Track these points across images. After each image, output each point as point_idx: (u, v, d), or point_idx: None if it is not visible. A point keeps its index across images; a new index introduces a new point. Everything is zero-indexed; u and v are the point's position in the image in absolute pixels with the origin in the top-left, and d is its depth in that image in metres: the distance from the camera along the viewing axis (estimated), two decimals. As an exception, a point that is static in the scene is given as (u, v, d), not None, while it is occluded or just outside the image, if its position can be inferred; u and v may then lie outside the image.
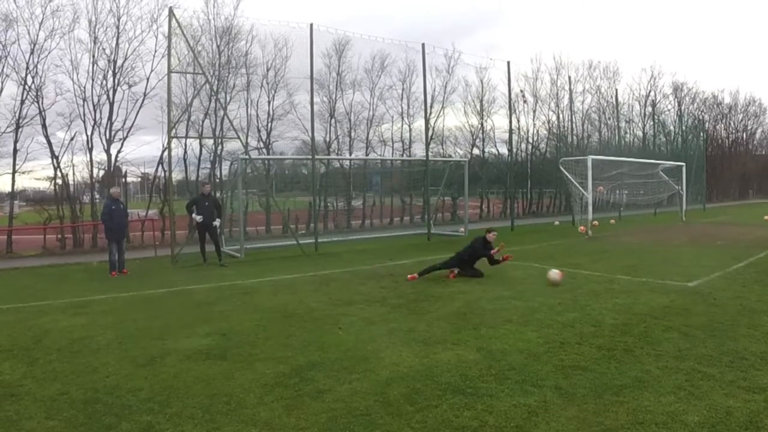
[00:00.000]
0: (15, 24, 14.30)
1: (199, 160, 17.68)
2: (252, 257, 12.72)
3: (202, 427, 3.54)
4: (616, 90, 27.71)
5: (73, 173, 16.15)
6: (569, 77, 25.87)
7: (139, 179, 21.44)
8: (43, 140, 15.02)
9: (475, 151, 24.72)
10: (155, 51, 16.14)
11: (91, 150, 15.69)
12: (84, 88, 15.50)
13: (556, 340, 5.22)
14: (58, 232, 15.18)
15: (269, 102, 18.67)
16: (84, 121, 15.57)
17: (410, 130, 22.40)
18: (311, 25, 13.69)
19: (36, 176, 15.87)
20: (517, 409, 3.67)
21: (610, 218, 20.93)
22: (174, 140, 13.03)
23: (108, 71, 15.71)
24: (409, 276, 8.90)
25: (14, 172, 14.78)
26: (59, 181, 15.56)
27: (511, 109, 21.28)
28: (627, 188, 22.03)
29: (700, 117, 35.49)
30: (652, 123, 31.29)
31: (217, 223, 11.64)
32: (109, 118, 15.81)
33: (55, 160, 15.35)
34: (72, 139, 15.51)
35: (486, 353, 4.86)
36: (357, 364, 4.65)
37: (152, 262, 12.35)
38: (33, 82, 14.66)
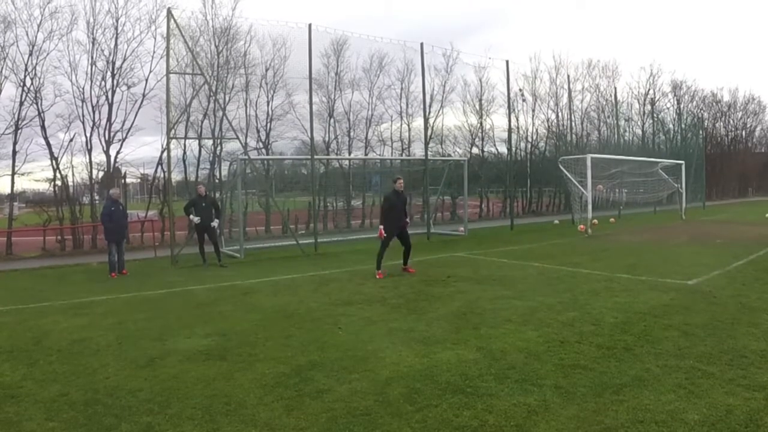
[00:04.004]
0: (13, 26, 14.31)
1: (199, 160, 17.68)
2: (252, 257, 12.72)
3: (201, 427, 3.54)
4: (615, 88, 27.76)
5: (73, 174, 16.18)
6: (568, 76, 25.92)
7: (139, 180, 21.48)
8: (43, 142, 15.04)
9: (475, 151, 24.75)
10: (154, 52, 16.17)
11: (90, 151, 15.72)
12: (83, 89, 15.52)
13: (555, 339, 5.22)
14: (58, 234, 15.17)
15: (268, 102, 18.68)
16: (83, 123, 15.58)
17: (409, 129, 22.46)
18: (310, 25, 13.70)
19: (35, 178, 15.89)
20: (517, 408, 3.67)
21: (609, 217, 20.93)
22: (173, 141, 13.01)
23: (107, 72, 15.72)
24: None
25: (14, 173, 14.77)
26: (59, 183, 15.56)
27: (510, 108, 21.27)
28: (626, 187, 22.01)
29: (700, 115, 35.49)
30: (651, 121, 31.30)
31: (215, 223, 11.63)
32: (108, 119, 15.81)
33: (54, 162, 15.35)
34: (71, 140, 15.54)
35: (486, 353, 4.86)
36: (357, 364, 4.64)
37: (152, 263, 12.35)
38: (32, 83, 14.67)
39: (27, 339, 5.81)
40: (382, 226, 9.40)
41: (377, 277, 9.06)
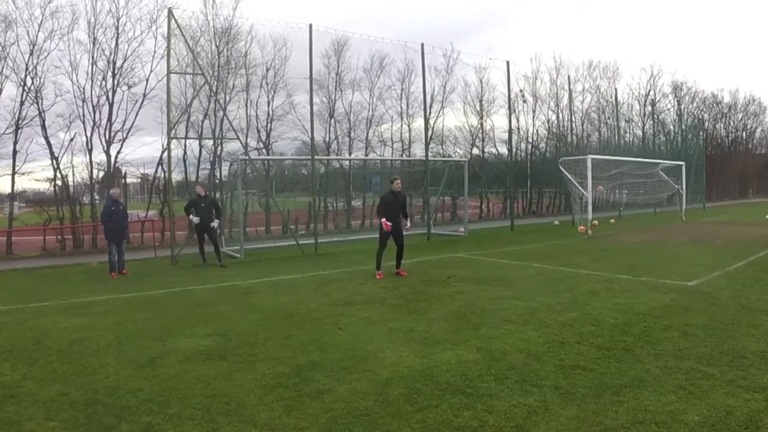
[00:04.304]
0: (14, 25, 14.32)
1: (199, 160, 17.67)
2: (252, 258, 12.72)
3: (201, 427, 3.54)
4: (616, 89, 27.75)
5: (73, 174, 16.18)
6: (569, 77, 25.91)
7: (139, 180, 21.48)
8: (43, 141, 15.04)
9: (475, 151, 24.74)
10: (154, 52, 16.17)
11: (90, 151, 15.71)
12: (83, 89, 15.52)
13: (555, 339, 5.22)
14: (58, 233, 15.17)
15: (269, 102, 18.68)
16: (83, 122, 15.58)
17: (410, 130, 22.45)
18: (310, 25, 13.70)
19: (36, 177, 15.88)
20: (517, 408, 3.67)
21: (609, 218, 20.94)
22: (173, 141, 13.01)
23: (107, 72, 15.73)
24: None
25: (14, 173, 14.78)
26: (59, 182, 15.56)
27: (511, 109, 21.28)
28: (627, 188, 22.03)
29: (700, 116, 35.50)
30: (651, 122, 31.30)
31: (215, 224, 11.62)
32: (109, 119, 15.81)
33: (54, 161, 15.35)
34: (71, 140, 15.54)
35: (486, 353, 4.86)
36: (357, 364, 4.65)
37: (152, 263, 12.35)
38: (32, 83, 14.67)
39: (27, 339, 5.81)
40: (384, 219, 9.23)
41: (377, 277, 9.06)
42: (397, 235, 9.44)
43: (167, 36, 12.28)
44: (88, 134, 15.62)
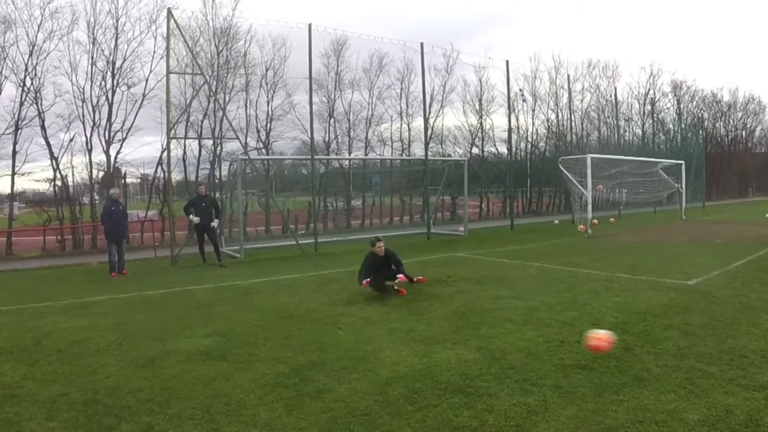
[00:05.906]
0: (14, 26, 14.33)
1: (199, 160, 17.69)
2: (251, 257, 12.71)
3: (202, 427, 3.54)
4: (615, 88, 27.75)
5: (73, 174, 16.21)
6: (568, 76, 25.92)
7: (139, 180, 21.49)
8: (43, 142, 15.06)
9: (475, 151, 24.74)
10: (154, 52, 16.19)
11: (90, 151, 15.74)
12: (83, 89, 15.53)
13: (555, 339, 5.22)
14: (58, 234, 15.18)
15: (268, 102, 18.68)
16: (83, 123, 15.60)
17: (409, 129, 22.45)
18: (310, 25, 13.70)
19: (35, 178, 15.91)
20: (516, 408, 3.67)
21: (609, 217, 20.91)
22: (173, 141, 13.02)
23: (107, 72, 15.74)
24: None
25: (14, 173, 14.79)
26: (59, 183, 15.58)
27: (510, 108, 21.27)
28: (626, 187, 22.03)
29: (700, 115, 35.49)
30: (651, 121, 31.30)
31: (215, 223, 11.62)
32: (108, 119, 15.82)
33: (54, 162, 15.37)
34: (71, 140, 15.56)
35: (486, 352, 4.86)
36: (357, 364, 4.65)
37: (152, 263, 12.35)
38: (32, 83, 14.69)
39: (27, 339, 5.81)
40: (366, 280, 7.55)
41: None
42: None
43: (167, 36, 12.27)
44: (88, 134, 15.67)
